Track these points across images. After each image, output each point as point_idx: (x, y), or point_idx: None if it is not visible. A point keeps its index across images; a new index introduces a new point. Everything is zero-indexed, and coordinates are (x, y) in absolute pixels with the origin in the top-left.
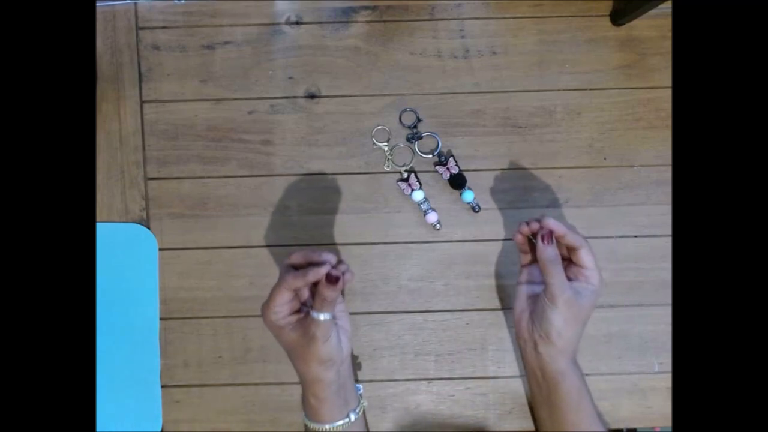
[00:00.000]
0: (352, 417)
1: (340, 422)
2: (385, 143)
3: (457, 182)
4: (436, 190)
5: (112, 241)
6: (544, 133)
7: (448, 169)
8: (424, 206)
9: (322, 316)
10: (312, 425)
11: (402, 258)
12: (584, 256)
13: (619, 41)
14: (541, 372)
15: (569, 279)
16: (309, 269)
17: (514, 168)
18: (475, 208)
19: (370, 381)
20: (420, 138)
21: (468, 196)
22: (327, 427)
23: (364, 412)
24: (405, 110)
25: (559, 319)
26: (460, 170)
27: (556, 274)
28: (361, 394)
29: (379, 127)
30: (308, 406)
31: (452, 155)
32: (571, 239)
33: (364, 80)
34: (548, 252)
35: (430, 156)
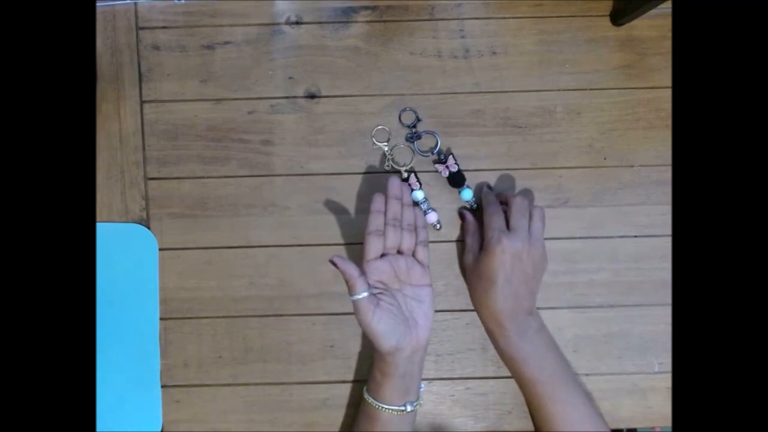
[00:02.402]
0: (408, 408)
1: (396, 407)
2: (385, 143)
3: (456, 180)
4: (436, 189)
5: (112, 241)
6: (544, 133)
7: (447, 167)
8: (424, 206)
9: (352, 297)
10: (370, 399)
11: None
12: (484, 217)
13: (619, 41)
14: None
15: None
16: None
17: (514, 168)
18: (473, 207)
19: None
20: (419, 137)
21: (467, 194)
22: (384, 406)
23: (416, 411)
24: (404, 109)
25: (468, 288)
26: (459, 169)
27: (465, 242)
28: (420, 400)
29: (379, 127)
30: (372, 380)
31: (451, 153)
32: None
33: (364, 80)
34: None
35: (429, 155)
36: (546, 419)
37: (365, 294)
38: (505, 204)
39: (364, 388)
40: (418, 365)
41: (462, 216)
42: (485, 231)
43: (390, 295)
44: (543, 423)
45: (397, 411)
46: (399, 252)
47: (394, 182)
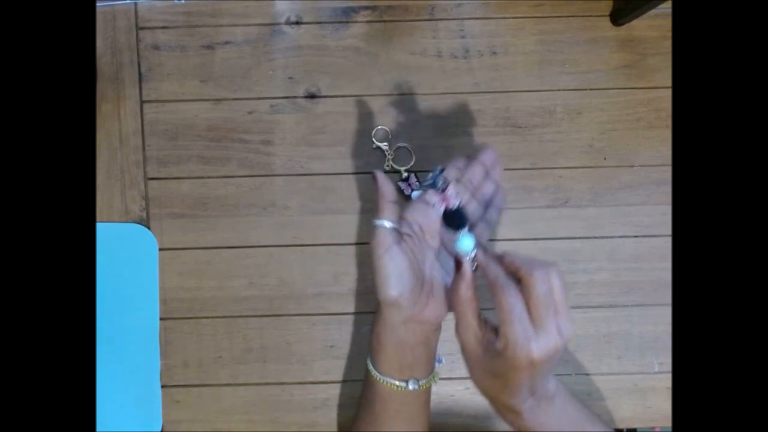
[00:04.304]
0: (410, 386)
1: (395, 382)
2: (385, 143)
3: (455, 220)
4: None
5: (112, 241)
6: (544, 133)
7: (445, 199)
8: None
9: (377, 221)
10: (369, 366)
11: None
12: (496, 308)
13: (619, 41)
14: None
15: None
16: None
17: (514, 168)
18: (472, 265)
19: None
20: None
21: (466, 243)
22: (382, 377)
23: (430, 389)
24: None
25: (472, 375)
26: (461, 204)
27: (456, 313)
28: (436, 372)
29: (379, 127)
30: (371, 344)
31: (449, 182)
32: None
33: (364, 80)
34: (453, 287)
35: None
36: None
37: (389, 224)
38: (513, 274)
39: (368, 358)
40: (421, 339)
41: (458, 265)
42: (502, 325)
43: (419, 246)
44: None
45: (396, 386)
46: None
47: (489, 150)
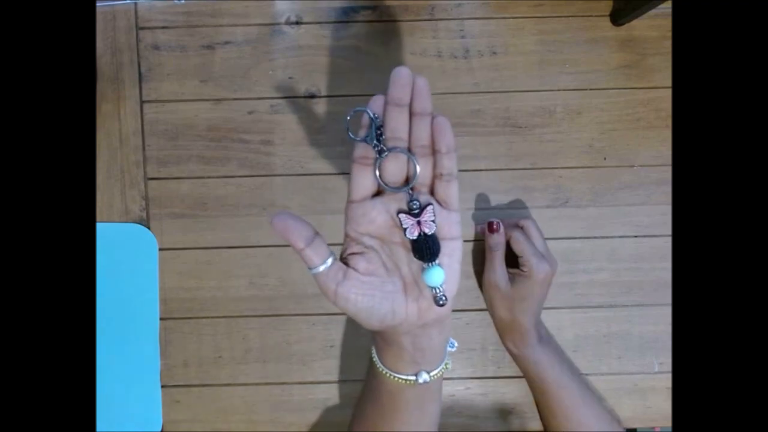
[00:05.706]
0: (420, 378)
1: (404, 377)
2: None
3: (427, 250)
4: None
5: (112, 241)
6: (544, 133)
7: (419, 223)
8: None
9: (312, 271)
10: (375, 358)
11: None
12: (513, 245)
13: (619, 41)
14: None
15: (515, 265)
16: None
17: (514, 168)
18: (440, 300)
19: None
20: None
21: (436, 277)
22: (390, 372)
23: (441, 378)
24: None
25: (490, 304)
26: (435, 232)
27: (489, 261)
28: (448, 360)
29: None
30: (374, 341)
31: (431, 203)
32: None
33: (364, 80)
34: (489, 239)
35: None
36: (564, 420)
37: (327, 264)
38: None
39: (373, 346)
40: (430, 338)
41: (493, 227)
42: (523, 257)
43: (379, 255)
44: (561, 424)
45: (405, 380)
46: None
47: (400, 74)
